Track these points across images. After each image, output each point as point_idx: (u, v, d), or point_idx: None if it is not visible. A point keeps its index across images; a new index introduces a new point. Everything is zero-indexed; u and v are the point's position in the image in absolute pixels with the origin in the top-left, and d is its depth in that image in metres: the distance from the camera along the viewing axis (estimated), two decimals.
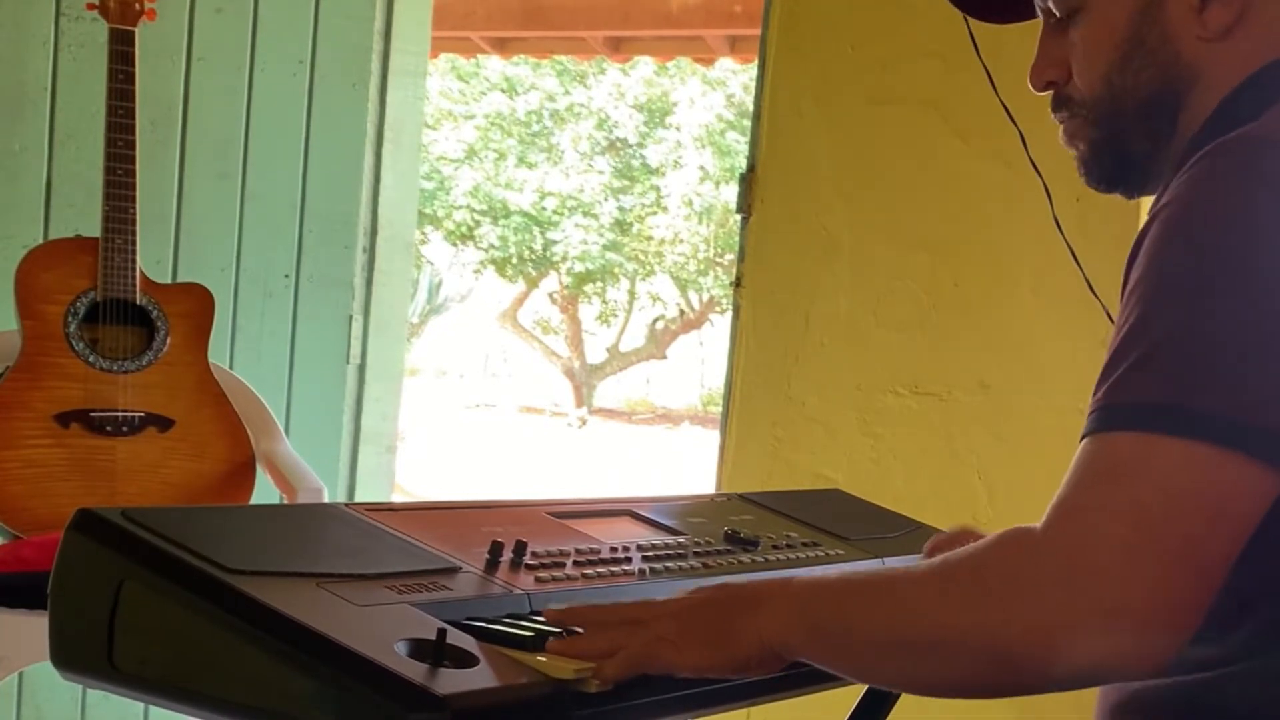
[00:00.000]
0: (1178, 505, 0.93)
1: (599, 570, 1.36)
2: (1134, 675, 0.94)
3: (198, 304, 2.65)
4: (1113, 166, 1.25)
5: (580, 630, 1.12)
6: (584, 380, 14.67)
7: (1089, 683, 0.96)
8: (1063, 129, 1.28)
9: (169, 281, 2.98)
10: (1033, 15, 1.32)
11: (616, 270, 14.23)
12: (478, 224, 13.84)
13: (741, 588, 1.14)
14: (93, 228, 2.57)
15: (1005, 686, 0.99)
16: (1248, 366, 0.95)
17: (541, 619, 1.16)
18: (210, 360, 2.65)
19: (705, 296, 14.18)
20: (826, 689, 1.27)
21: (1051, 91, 1.28)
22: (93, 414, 2.52)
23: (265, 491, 2.72)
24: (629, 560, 1.41)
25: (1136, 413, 0.96)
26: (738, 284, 2.83)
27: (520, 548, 1.30)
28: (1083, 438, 0.99)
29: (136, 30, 2.54)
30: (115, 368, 2.54)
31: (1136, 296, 1.00)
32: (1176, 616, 0.93)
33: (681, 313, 14.61)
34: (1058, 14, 1.26)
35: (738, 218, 2.84)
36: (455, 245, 14.21)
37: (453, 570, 1.23)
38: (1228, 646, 1.03)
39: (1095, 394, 1.00)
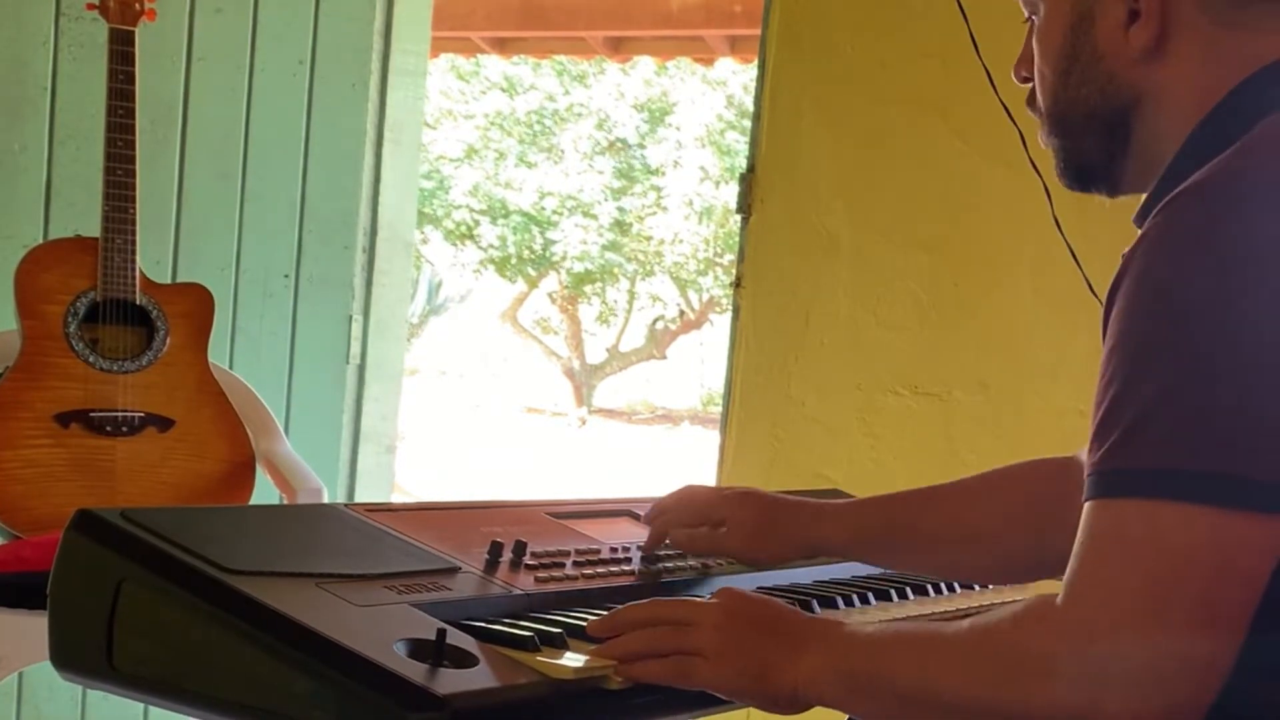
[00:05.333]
0: (1186, 569, 0.95)
1: (598, 570, 1.36)
2: None
3: (197, 304, 2.65)
4: (1077, 171, 1.25)
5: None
6: (584, 380, 14.64)
7: None
8: (1039, 128, 1.29)
9: (169, 281, 2.98)
10: None
11: (616, 270, 14.21)
12: (477, 224, 13.83)
13: (789, 621, 1.14)
14: (93, 228, 2.57)
15: None
16: (1240, 422, 0.96)
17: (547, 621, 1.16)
18: (210, 360, 2.65)
19: (705, 296, 14.15)
20: None
21: (1029, 86, 1.29)
22: (93, 414, 2.51)
23: (265, 491, 2.72)
24: (629, 560, 1.41)
25: (1138, 478, 0.98)
26: (738, 284, 2.83)
27: (520, 548, 1.31)
28: (1085, 500, 1.01)
29: (136, 30, 2.54)
30: (115, 368, 2.54)
31: (1121, 357, 1.01)
32: (1198, 675, 0.95)
33: (681, 313, 14.59)
34: (1025, 13, 1.27)
35: (738, 218, 2.84)
36: (455, 245, 14.19)
37: (452, 570, 1.24)
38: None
39: (1091, 454, 1.01)
